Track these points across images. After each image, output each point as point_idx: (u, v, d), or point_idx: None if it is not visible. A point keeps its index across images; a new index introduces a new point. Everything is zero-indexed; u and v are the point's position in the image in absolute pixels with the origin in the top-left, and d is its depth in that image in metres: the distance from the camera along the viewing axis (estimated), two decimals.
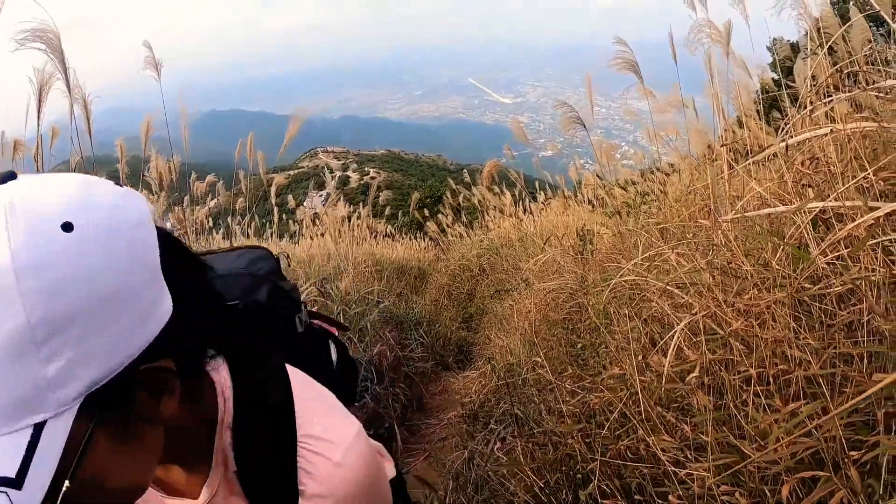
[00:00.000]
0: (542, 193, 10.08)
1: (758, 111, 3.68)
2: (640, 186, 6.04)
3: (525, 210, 9.50)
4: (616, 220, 4.34)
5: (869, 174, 1.38)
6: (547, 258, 4.19)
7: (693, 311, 1.60)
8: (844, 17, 3.29)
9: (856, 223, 1.22)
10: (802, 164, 1.73)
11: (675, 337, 1.53)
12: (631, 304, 2.26)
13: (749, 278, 1.59)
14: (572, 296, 3.53)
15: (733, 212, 1.72)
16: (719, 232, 1.78)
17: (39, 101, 3.35)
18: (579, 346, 2.90)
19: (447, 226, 11.82)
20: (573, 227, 5.92)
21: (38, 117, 3.43)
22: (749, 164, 2.04)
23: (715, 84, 3.31)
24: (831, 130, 1.44)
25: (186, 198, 7.03)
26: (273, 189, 6.34)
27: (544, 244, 4.67)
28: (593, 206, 7.62)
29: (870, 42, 2.93)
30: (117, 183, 0.69)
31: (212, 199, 8.02)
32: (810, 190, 1.66)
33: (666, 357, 1.51)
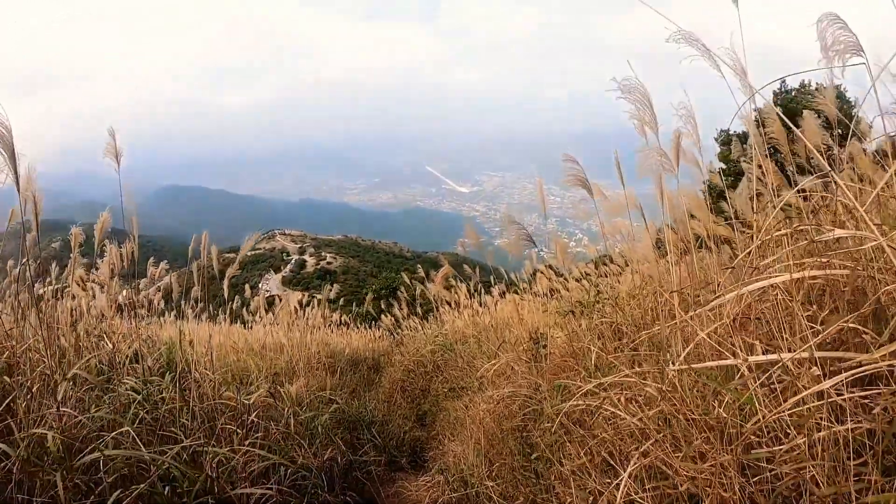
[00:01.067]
0: (497, 286, 10.17)
1: (706, 202, 3.84)
2: (594, 278, 6.16)
3: (480, 303, 9.55)
4: (570, 318, 4.40)
5: (818, 328, 1.45)
6: (501, 364, 4.21)
7: (643, 451, 1.62)
8: (791, 112, 3.52)
9: (800, 395, 1.27)
10: (750, 306, 1.80)
11: (624, 484, 1.54)
12: (584, 423, 2.28)
13: (696, 428, 1.62)
14: (526, 402, 3.53)
15: (679, 362, 1.77)
16: (667, 381, 1.83)
17: None
18: (534, 456, 2.88)
19: (402, 318, 11.78)
20: (527, 320, 5.97)
21: None
22: (699, 312, 2.11)
23: (665, 206, 3.45)
24: (779, 283, 1.52)
25: (145, 280, 6.93)
26: (226, 281, 6.26)
27: (498, 348, 4.69)
28: (548, 298, 7.70)
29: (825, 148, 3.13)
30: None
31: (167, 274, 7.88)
32: (758, 344, 1.72)
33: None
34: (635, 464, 1.57)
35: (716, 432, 1.58)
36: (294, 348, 7.19)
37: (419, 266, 11.47)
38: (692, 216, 3.79)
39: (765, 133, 3.39)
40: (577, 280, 6.75)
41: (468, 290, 9.71)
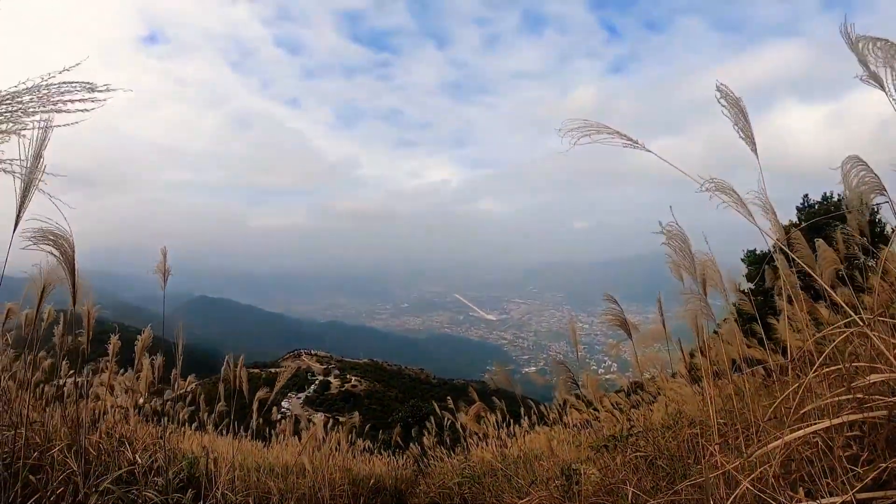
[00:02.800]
0: (527, 418, 9.97)
1: (736, 321, 3.82)
2: (626, 408, 6.01)
3: (508, 434, 9.36)
4: (602, 452, 4.30)
5: (858, 470, 1.43)
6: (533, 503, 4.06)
7: None
8: (815, 225, 3.57)
9: None
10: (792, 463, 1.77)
11: None
12: None
13: None
14: None
15: None
16: None
17: (41, 297, 3.39)
18: None
19: (428, 448, 11.52)
20: (558, 454, 5.80)
21: (38, 310, 3.46)
22: (741, 463, 2.07)
23: (702, 337, 3.46)
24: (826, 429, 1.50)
25: (169, 392, 6.94)
26: (255, 404, 6.26)
27: (529, 486, 4.54)
28: (578, 430, 7.51)
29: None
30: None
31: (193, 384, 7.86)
32: (800, 491, 1.69)
33: None
34: None
35: None
36: (317, 472, 7.01)
37: (448, 397, 11.32)
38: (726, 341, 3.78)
39: (794, 254, 3.45)
40: (607, 411, 6.63)
41: (496, 422, 9.52)
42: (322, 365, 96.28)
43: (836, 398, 1.83)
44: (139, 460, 4.14)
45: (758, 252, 13.06)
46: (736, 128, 2.40)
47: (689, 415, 3.82)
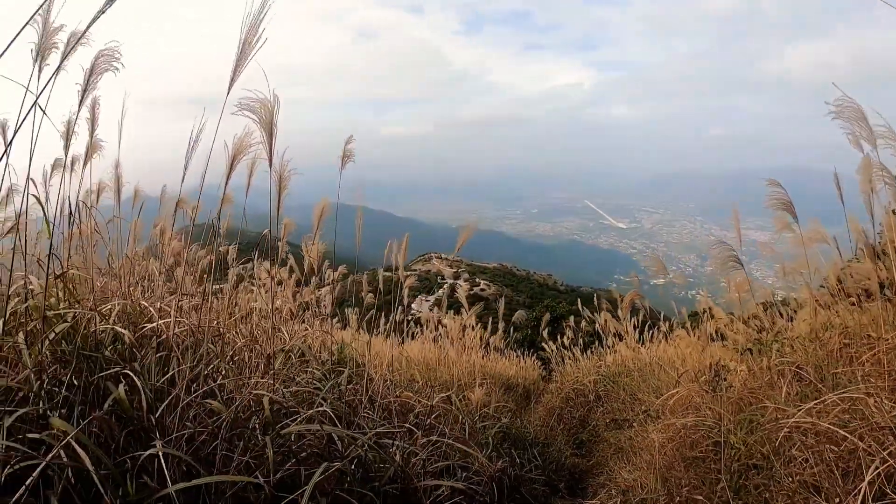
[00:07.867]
0: (666, 323, 9.83)
1: None
2: (766, 321, 5.79)
3: (645, 341, 9.31)
4: (747, 356, 4.21)
5: None
6: (682, 395, 4.07)
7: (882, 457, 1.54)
8: None
9: None
10: None
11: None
12: (793, 445, 2.17)
13: None
14: (708, 434, 3.40)
15: None
16: None
17: (230, 169, 3.40)
18: (722, 483, 2.77)
19: (563, 346, 11.63)
20: (693, 360, 5.74)
21: (226, 186, 3.53)
22: None
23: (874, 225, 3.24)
24: None
25: (315, 279, 7.33)
26: (406, 290, 6.57)
27: (680, 377, 4.55)
28: (716, 340, 7.34)
29: None
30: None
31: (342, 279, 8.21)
32: None
33: None
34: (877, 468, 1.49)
35: None
36: (461, 364, 7.37)
37: (595, 295, 11.30)
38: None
39: None
40: (744, 322, 6.37)
41: (635, 324, 9.44)
42: (452, 269, 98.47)
43: None
44: (296, 342, 4.50)
45: None
46: None
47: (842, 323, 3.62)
